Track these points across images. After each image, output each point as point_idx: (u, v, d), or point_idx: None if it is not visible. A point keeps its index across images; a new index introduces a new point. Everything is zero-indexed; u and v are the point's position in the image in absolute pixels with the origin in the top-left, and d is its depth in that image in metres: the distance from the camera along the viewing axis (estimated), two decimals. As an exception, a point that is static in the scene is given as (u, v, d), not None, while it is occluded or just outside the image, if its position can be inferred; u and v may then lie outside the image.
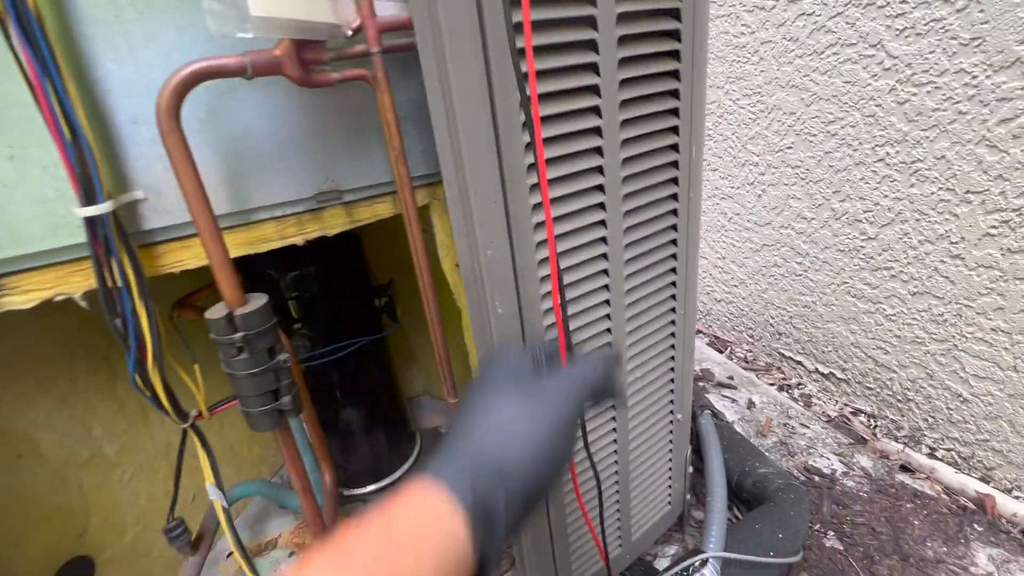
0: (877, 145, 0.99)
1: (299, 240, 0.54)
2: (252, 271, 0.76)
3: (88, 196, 0.42)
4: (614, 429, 0.67)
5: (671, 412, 0.76)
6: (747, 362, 1.48)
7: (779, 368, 1.42)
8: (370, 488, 1.00)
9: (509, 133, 0.44)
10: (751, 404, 1.24)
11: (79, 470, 0.75)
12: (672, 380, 0.74)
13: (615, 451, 0.69)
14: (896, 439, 1.10)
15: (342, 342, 0.86)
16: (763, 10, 1.14)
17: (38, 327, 0.71)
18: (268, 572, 0.94)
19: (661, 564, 0.88)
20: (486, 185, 0.45)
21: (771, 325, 1.41)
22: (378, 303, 0.94)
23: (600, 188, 0.53)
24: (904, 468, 1.02)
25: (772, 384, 1.34)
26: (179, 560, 0.93)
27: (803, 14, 1.06)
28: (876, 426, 1.14)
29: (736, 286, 1.48)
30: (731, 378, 1.35)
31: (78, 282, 0.48)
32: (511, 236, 0.48)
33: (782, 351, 1.40)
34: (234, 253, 0.51)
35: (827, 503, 0.93)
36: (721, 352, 1.50)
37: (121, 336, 0.49)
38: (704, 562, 0.75)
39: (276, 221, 0.52)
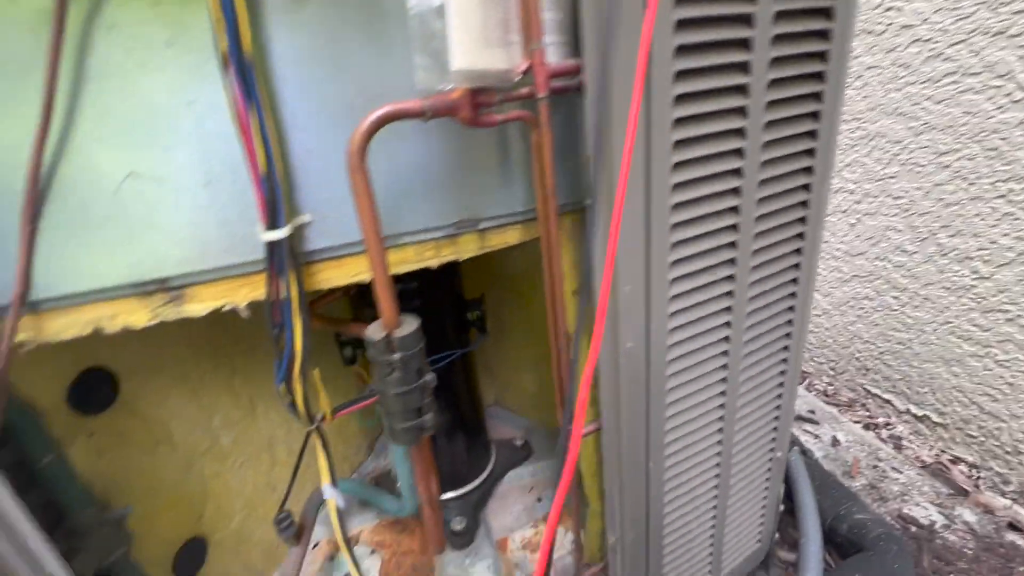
0: (999, 180, 0.93)
1: (434, 263, 0.57)
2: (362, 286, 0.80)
3: (272, 221, 0.46)
4: (718, 454, 0.66)
5: (772, 449, 0.75)
6: (827, 395, 1.42)
7: (864, 405, 1.35)
8: (449, 495, 1.03)
9: (660, 168, 0.45)
10: (835, 441, 1.19)
11: (201, 458, 0.82)
12: (777, 417, 0.72)
13: (716, 483, 0.68)
14: (1003, 494, 1.03)
15: (438, 354, 0.89)
16: (871, 34, 1.10)
17: (177, 328, 0.77)
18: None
19: (745, 602, 0.86)
20: (633, 221, 0.47)
21: (857, 359, 1.35)
22: (470, 316, 0.97)
23: (735, 210, 0.52)
24: (1012, 526, 0.95)
25: (857, 422, 1.28)
26: (274, 547, 0.99)
27: (917, 40, 1.02)
28: (979, 477, 1.07)
29: (819, 315, 1.43)
30: (812, 412, 1.30)
31: (244, 294, 0.52)
32: (648, 273, 0.49)
33: (868, 387, 1.33)
34: (368, 276, 0.55)
35: (927, 557, 0.88)
36: (799, 383, 1.45)
37: (276, 345, 0.54)
38: (801, 606, 0.72)
39: (417, 245, 0.55)
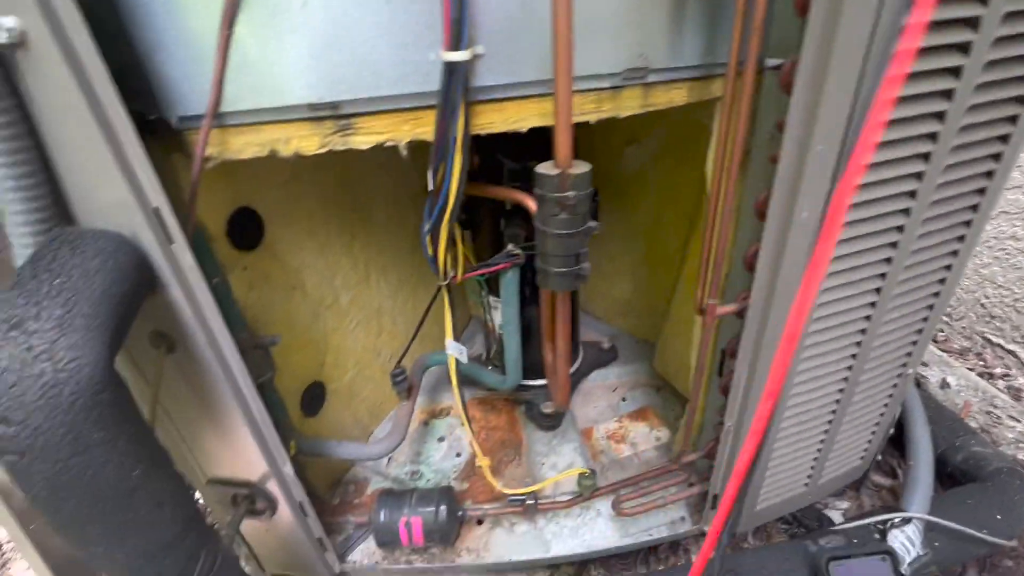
0: None
1: (592, 118, 0.54)
2: (482, 152, 0.79)
3: (455, 41, 0.44)
4: (854, 356, 0.63)
5: (904, 364, 0.71)
6: (935, 341, 1.33)
7: (979, 354, 1.26)
8: (540, 382, 1.07)
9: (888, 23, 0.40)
10: (945, 384, 1.12)
11: (325, 312, 0.88)
12: (920, 331, 0.68)
13: (843, 387, 0.66)
14: None
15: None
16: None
17: (311, 182, 0.81)
18: (444, 432, 1.06)
19: (833, 516, 0.86)
20: (845, 74, 0.42)
21: (982, 306, 1.24)
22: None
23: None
24: None
25: (971, 369, 1.19)
26: (378, 405, 1.08)
27: None
28: (1112, 436, 0.98)
29: (946, 255, 1.30)
30: (919, 354, 1.22)
31: (407, 131, 0.52)
32: (847, 132, 0.45)
33: (989, 336, 1.23)
34: (529, 124, 0.53)
35: (1043, 501, 0.84)
36: (906, 325, 1.36)
37: (433, 186, 0.54)
38: (907, 520, 0.71)
39: (579, 95, 0.53)
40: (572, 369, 1.11)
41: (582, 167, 0.45)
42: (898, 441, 0.85)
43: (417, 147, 0.53)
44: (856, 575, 0.65)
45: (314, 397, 0.89)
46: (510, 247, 0.73)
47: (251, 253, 0.72)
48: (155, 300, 0.50)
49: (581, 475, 0.76)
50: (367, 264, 0.97)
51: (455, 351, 0.74)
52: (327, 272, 0.87)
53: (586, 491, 0.77)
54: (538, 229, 0.49)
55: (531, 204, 0.63)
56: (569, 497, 0.82)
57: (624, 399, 1.11)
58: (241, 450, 0.62)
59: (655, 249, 1.10)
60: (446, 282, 0.67)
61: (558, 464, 0.95)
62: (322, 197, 0.84)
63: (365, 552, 0.81)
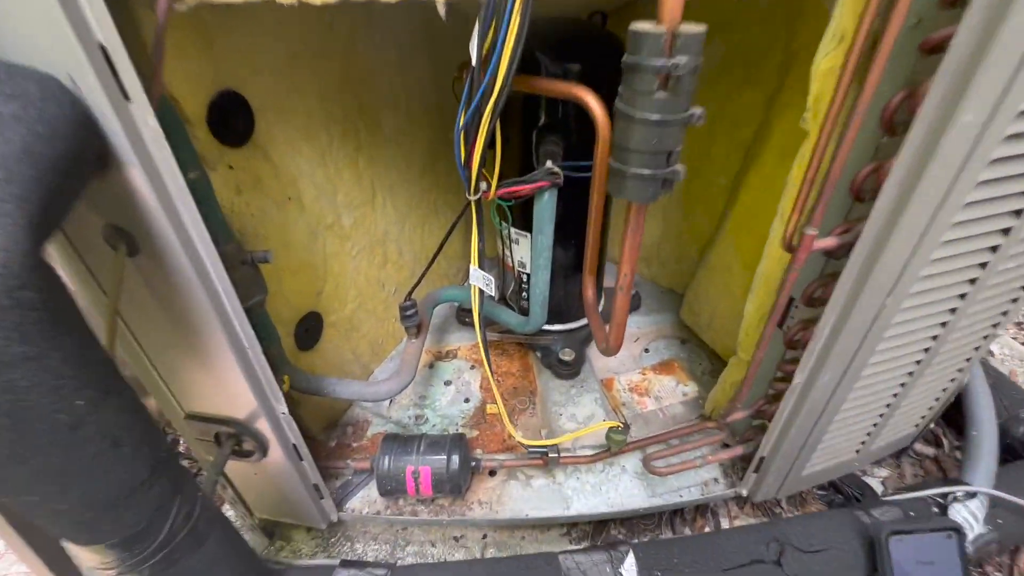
0: None
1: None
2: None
3: None
4: (952, 310, 0.54)
5: (985, 338, 0.62)
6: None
7: (1020, 325, 1.18)
8: (557, 327, 0.97)
9: None
10: (989, 353, 1.05)
11: (325, 232, 0.76)
12: (1006, 313, 0.58)
13: (929, 346, 0.57)
14: None
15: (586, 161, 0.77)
16: None
17: (311, 72, 0.67)
18: (450, 375, 0.97)
19: (872, 484, 0.80)
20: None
21: (1033, 271, 1.15)
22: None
23: None
24: None
25: (1014, 338, 1.12)
26: (380, 342, 0.98)
27: None
28: None
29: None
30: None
31: (448, -20, 0.39)
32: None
33: (1035, 305, 1.15)
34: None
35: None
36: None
37: (478, 60, 0.42)
38: (971, 495, 0.65)
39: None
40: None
41: (695, 27, 0.33)
42: (961, 405, 0.78)
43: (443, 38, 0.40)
44: (918, 552, 0.58)
45: (310, 329, 0.79)
46: (548, 164, 0.61)
47: (238, 150, 0.59)
48: (109, 183, 0.38)
49: (612, 429, 0.68)
50: (373, 182, 0.84)
51: (480, 281, 0.63)
52: (327, 186, 0.75)
53: (616, 446, 0.69)
54: (620, 114, 0.37)
55: (593, 103, 0.51)
56: (594, 452, 0.74)
57: (647, 350, 1.03)
58: (226, 383, 0.52)
59: (695, 187, 0.98)
60: (476, 197, 0.55)
61: (577, 415, 0.87)
62: (323, 94, 0.70)
63: (365, 500, 0.73)
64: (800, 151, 0.48)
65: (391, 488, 0.69)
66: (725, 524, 0.77)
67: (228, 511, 0.80)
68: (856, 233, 0.46)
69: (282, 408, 0.56)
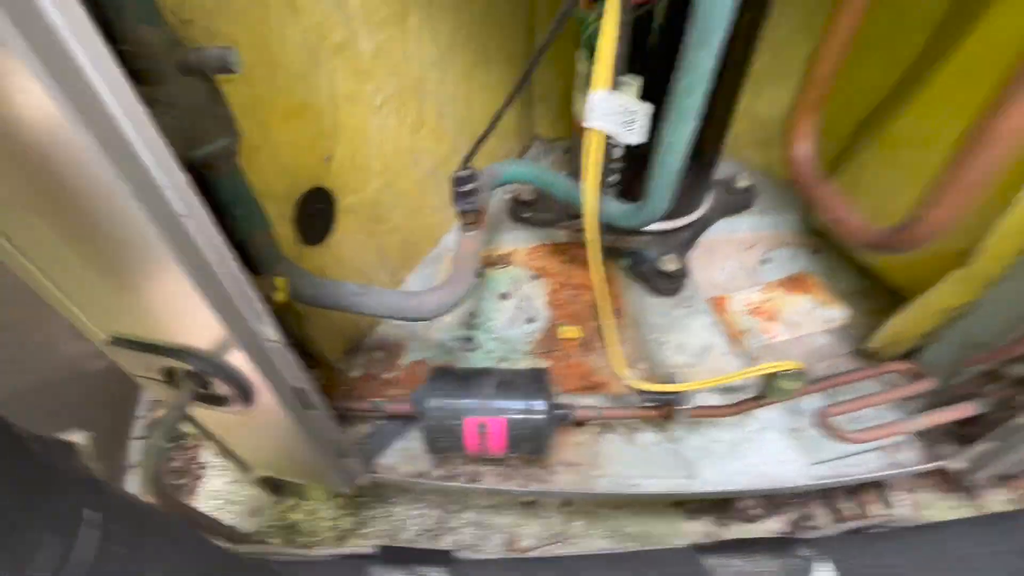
0: None
1: None
2: None
3: None
4: None
5: None
6: None
7: None
8: (651, 228, 0.71)
9: None
10: None
11: (332, 56, 0.48)
12: None
13: None
14: None
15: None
16: None
17: None
18: (507, 287, 0.74)
19: None
20: None
21: None
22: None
23: None
24: None
25: None
26: (416, 240, 0.73)
27: None
28: None
29: None
30: None
31: None
32: None
33: None
34: None
35: None
36: None
37: None
38: None
39: None
40: (699, 213, 0.75)
41: None
42: None
43: None
44: None
45: (316, 214, 0.54)
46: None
47: None
48: None
49: (784, 373, 0.44)
50: (404, -12, 0.54)
51: (611, 118, 0.36)
52: (335, -28, 0.46)
53: (782, 397, 0.46)
54: None
55: None
56: (734, 402, 0.51)
57: (766, 260, 0.77)
58: (166, 295, 0.28)
59: (868, 37, 0.66)
60: None
61: (687, 345, 0.64)
62: None
63: (405, 455, 0.52)
64: None
65: (445, 444, 0.47)
66: (904, 505, 0.55)
67: (214, 460, 0.60)
68: None
69: (269, 333, 0.32)
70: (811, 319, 0.68)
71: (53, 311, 0.32)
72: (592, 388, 0.61)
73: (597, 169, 0.41)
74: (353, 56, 0.51)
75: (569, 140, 1.00)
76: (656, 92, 0.46)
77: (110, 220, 0.24)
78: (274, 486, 0.57)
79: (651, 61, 0.51)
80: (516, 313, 0.70)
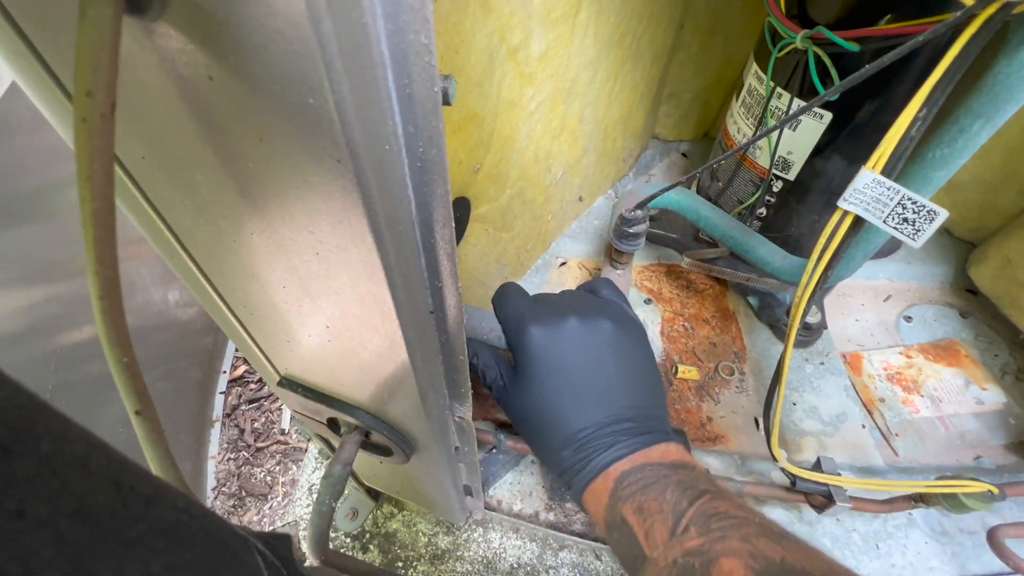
0: None
1: None
2: None
3: None
4: None
5: None
6: None
7: None
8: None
9: None
10: None
11: (504, 61, 0.43)
12: None
13: None
14: None
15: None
16: None
17: None
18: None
19: None
20: None
21: None
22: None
23: None
24: None
25: None
26: (527, 248, 0.69)
27: None
28: None
29: None
30: None
31: None
32: None
33: None
34: None
35: None
36: None
37: None
38: None
39: None
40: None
41: None
42: None
43: None
44: None
45: (455, 223, 0.50)
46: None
47: None
48: None
49: (979, 494, 0.39)
50: (584, -19, 0.48)
51: (880, 207, 0.30)
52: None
53: (955, 511, 0.41)
54: None
55: None
56: (883, 498, 0.46)
57: (908, 318, 0.69)
58: (384, 373, 0.25)
59: None
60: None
61: (821, 410, 0.58)
62: None
63: (517, 490, 0.50)
64: None
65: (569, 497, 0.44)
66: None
67: (311, 448, 0.60)
68: None
69: (464, 412, 0.29)
70: (959, 398, 0.61)
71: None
72: (711, 440, 0.57)
73: (829, 257, 0.35)
74: (524, 59, 0.45)
75: (689, 143, 0.92)
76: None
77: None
78: (375, 492, 0.56)
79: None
80: (629, 341, 0.65)
